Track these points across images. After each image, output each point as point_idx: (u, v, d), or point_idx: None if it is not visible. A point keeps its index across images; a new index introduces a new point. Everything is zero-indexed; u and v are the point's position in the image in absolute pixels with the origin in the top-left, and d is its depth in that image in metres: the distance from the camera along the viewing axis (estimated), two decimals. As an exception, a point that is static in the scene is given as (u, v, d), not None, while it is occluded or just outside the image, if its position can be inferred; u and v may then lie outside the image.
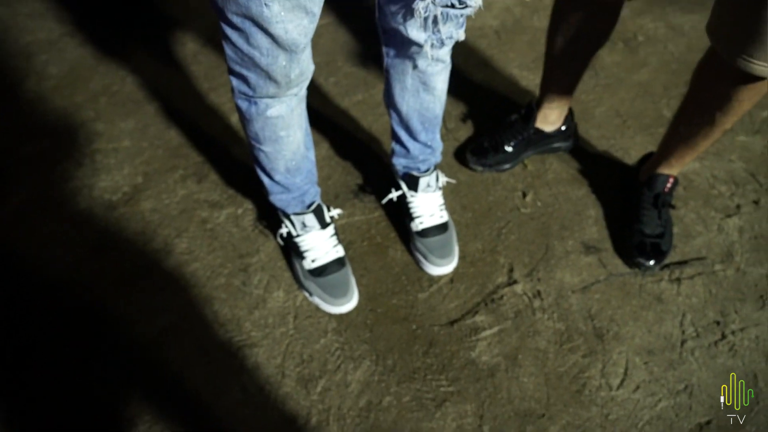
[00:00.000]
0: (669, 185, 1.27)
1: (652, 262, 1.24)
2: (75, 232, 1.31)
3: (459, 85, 1.52)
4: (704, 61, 1.09)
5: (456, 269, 1.25)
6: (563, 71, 1.31)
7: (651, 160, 1.32)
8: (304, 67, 0.90)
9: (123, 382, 1.10)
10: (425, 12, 0.86)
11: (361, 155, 1.46)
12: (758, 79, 0.97)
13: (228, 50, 0.87)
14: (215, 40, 1.73)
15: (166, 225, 1.32)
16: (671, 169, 1.27)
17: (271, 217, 1.30)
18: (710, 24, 1.01)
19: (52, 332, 1.16)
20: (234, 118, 1.54)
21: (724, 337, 1.16)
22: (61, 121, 1.53)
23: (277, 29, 0.80)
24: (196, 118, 1.54)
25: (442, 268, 1.24)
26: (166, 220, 1.33)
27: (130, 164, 1.43)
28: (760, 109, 1.57)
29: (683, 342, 1.15)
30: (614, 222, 1.33)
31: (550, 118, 1.41)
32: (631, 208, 1.31)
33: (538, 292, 1.22)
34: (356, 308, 1.19)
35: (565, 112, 1.42)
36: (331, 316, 1.19)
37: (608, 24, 1.20)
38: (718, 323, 1.18)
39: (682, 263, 1.26)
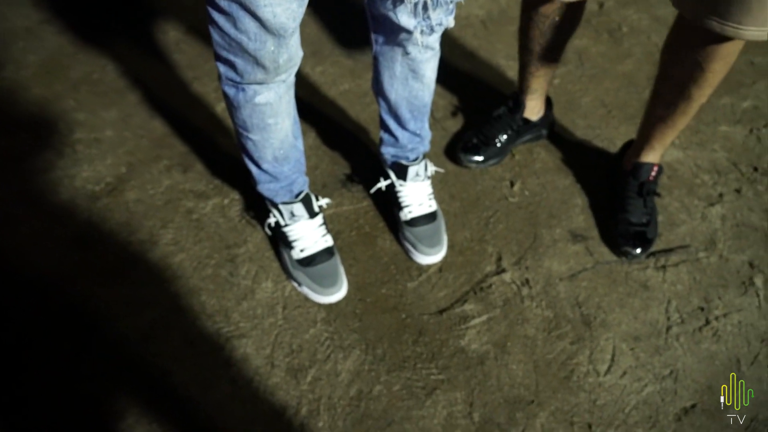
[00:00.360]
0: (654, 173, 1.28)
1: (638, 250, 1.25)
2: (57, 224, 1.28)
3: (445, 75, 1.51)
4: (671, 37, 1.09)
5: (445, 258, 1.25)
6: (540, 62, 1.32)
7: (633, 146, 1.32)
8: (293, 52, 0.89)
9: (111, 376, 1.08)
10: (415, -2, 0.85)
11: (348, 145, 1.45)
12: (726, 39, 0.95)
13: (215, 35, 0.85)
14: (198, 29, 1.71)
15: (151, 216, 1.30)
16: (654, 154, 1.28)
17: (258, 207, 1.29)
18: None
19: (38, 328, 1.14)
20: (219, 108, 1.51)
21: (708, 322, 1.18)
22: (40, 110, 1.49)
23: (265, 13, 0.79)
24: (180, 108, 1.51)
25: (430, 257, 1.24)
26: (151, 211, 1.31)
27: (113, 154, 1.41)
28: (741, 100, 1.59)
29: (668, 328, 1.17)
30: (600, 211, 1.34)
31: (535, 108, 1.42)
32: (617, 197, 1.32)
33: (527, 281, 1.23)
34: (345, 298, 1.19)
35: (545, 98, 1.44)
36: (320, 306, 1.18)
37: (577, 12, 1.21)
38: (702, 309, 1.20)
39: (667, 251, 1.28)
